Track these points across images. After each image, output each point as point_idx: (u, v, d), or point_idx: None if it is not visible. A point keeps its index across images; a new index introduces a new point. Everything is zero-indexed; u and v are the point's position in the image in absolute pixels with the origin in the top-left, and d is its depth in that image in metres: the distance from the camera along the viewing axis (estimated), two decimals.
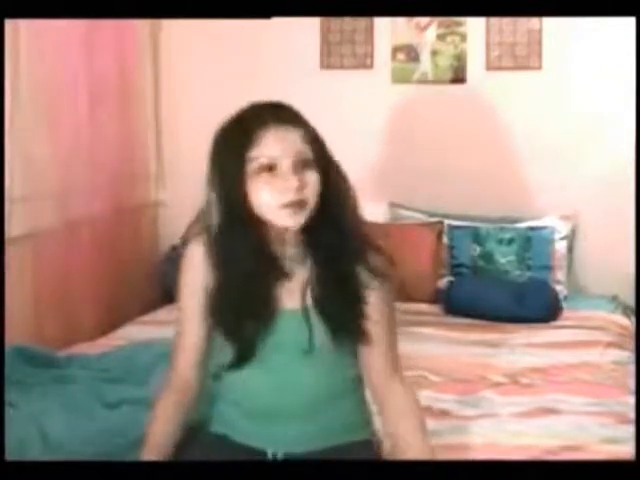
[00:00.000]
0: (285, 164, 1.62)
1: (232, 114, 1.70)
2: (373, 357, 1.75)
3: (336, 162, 1.74)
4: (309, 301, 1.71)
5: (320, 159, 1.67)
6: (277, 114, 1.66)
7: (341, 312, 1.70)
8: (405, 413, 1.73)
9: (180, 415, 1.76)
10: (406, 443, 1.70)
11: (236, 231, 1.67)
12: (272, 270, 1.70)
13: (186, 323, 1.77)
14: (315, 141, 1.68)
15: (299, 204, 1.62)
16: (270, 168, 1.62)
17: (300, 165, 1.63)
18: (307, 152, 1.64)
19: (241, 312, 1.69)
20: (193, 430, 1.79)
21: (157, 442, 1.73)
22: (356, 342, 1.74)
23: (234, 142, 1.65)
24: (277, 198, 1.62)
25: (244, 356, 1.70)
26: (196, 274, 1.74)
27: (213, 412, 1.78)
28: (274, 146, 1.62)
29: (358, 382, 1.80)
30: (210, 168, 1.71)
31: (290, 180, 1.61)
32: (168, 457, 1.73)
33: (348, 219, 1.71)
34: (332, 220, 1.68)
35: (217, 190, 1.68)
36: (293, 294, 1.72)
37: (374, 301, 1.73)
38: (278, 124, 1.64)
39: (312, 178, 1.64)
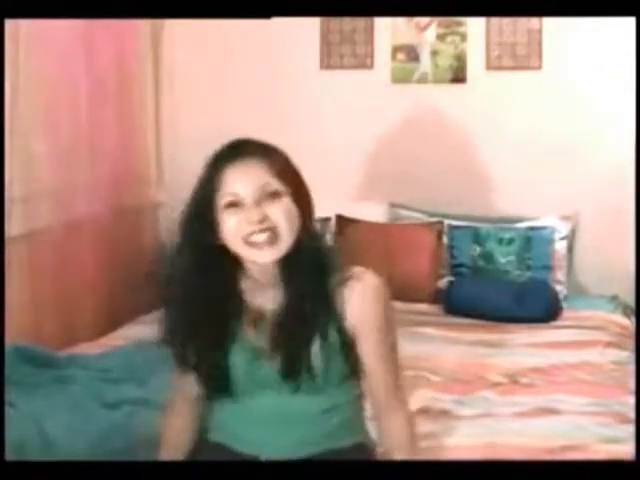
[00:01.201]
0: (247, 199, 1.60)
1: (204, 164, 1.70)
2: (370, 389, 1.72)
3: (309, 196, 1.68)
4: (279, 343, 1.64)
5: (290, 189, 1.62)
6: (241, 150, 1.64)
7: (322, 350, 1.64)
8: (399, 441, 1.70)
9: (188, 429, 1.78)
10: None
11: (203, 268, 1.65)
12: (236, 307, 1.67)
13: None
14: (284, 171, 1.64)
15: (269, 238, 1.59)
16: (236, 204, 1.60)
17: (266, 197, 1.60)
18: (274, 184, 1.61)
19: (215, 349, 1.66)
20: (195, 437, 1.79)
21: (173, 450, 1.75)
22: (351, 375, 1.70)
23: (201, 186, 1.65)
24: (240, 231, 1.59)
25: (220, 392, 1.68)
26: None
27: (211, 421, 1.78)
28: (236, 182, 1.61)
29: (358, 396, 1.76)
30: (185, 214, 1.67)
31: (253, 214, 1.58)
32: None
33: (321, 246, 1.68)
34: (309, 251, 1.64)
35: (188, 232, 1.66)
36: (262, 331, 1.66)
37: (365, 334, 1.66)
38: (240, 160, 1.62)
39: (280, 209, 1.60)
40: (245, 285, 1.69)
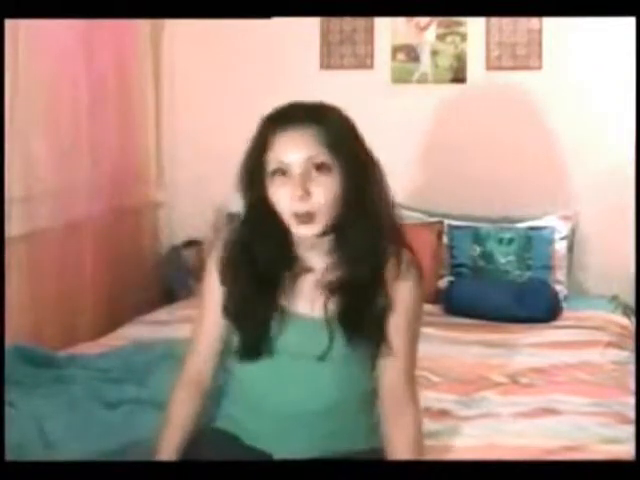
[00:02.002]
0: (295, 170, 1.59)
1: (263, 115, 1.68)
2: (388, 373, 1.72)
3: (366, 161, 1.67)
4: (330, 308, 1.67)
5: (341, 160, 1.60)
6: (293, 115, 1.62)
7: (362, 323, 1.66)
8: (409, 437, 1.71)
9: (193, 410, 1.77)
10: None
11: (256, 231, 1.67)
12: (288, 270, 1.68)
13: (204, 319, 1.77)
14: (337, 141, 1.61)
15: (307, 215, 1.59)
16: (283, 172, 1.60)
17: (313, 169, 1.59)
18: (322, 155, 1.59)
19: (251, 309, 1.67)
20: (199, 426, 1.79)
21: (172, 441, 1.75)
22: (375, 354, 1.70)
23: (252, 146, 1.65)
24: (286, 205, 1.61)
25: (249, 353, 1.69)
26: (215, 276, 1.74)
27: (220, 410, 1.78)
28: (285, 150, 1.60)
29: (371, 394, 1.76)
30: (238, 173, 1.69)
31: (297, 189, 1.58)
32: (179, 454, 1.74)
33: (376, 221, 1.67)
34: (357, 223, 1.64)
35: (242, 193, 1.68)
36: (312, 299, 1.69)
37: (397, 310, 1.69)
38: (291, 126, 1.61)
39: (325, 184, 1.59)
40: (298, 247, 1.69)
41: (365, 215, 1.64)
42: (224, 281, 1.72)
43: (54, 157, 3.30)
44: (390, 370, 1.71)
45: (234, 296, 1.70)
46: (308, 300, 1.69)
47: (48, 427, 2.16)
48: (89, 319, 3.49)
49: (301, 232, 1.62)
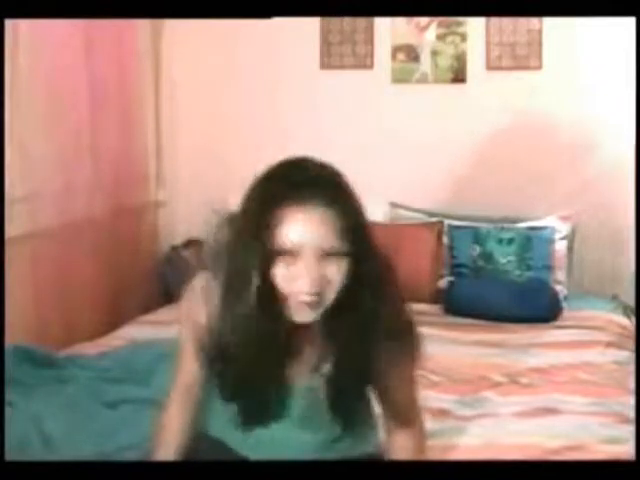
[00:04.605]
0: (307, 252, 1.43)
1: (258, 178, 1.49)
2: (399, 445, 1.72)
3: (374, 247, 1.55)
4: (320, 382, 1.59)
5: (354, 246, 1.47)
6: (309, 188, 1.44)
7: (356, 410, 1.62)
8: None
9: (185, 425, 1.75)
10: None
11: (259, 303, 1.49)
12: (288, 337, 1.56)
13: (187, 343, 1.68)
14: (352, 224, 1.47)
15: (314, 299, 1.45)
16: (293, 253, 1.44)
17: (325, 255, 1.44)
18: (338, 244, 1.44)
19: (249, 385, 1.58)
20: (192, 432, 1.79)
21: (169, 447, 1.73)
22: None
23: (255, 219, 1.45)
24: (292, 287, 1.45)
25: (251, 422, 1.63)
26: (199, 313, 1.60)
27: (213, 417, 1.77)
28: (296, 231, 1.43)
29: (368, 408, 1.73)
30: (231, 242, 1.52)
31: (309, 272, 1.43)
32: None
33: (372, 309, 1.54)
34: (353, 311, 1.52)
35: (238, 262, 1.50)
36: (303, 372, 1.61)
37: (400, 384, 1.67)
38: (305, 203, 1.43)
39: (335, 270, 1.45)
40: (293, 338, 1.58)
41: (360, 305, 1.52)
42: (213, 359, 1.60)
43: (54, 157, 3.31)
44: (400, 443, 1.72)
45: (230, 378, 1.60)
46: (297, 372, 1.61)
47: (48, 427, 2.16)
48: (89, 319, 3.49)
49: (301, 314, 1.48)
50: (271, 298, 1.47)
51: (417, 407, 1.73)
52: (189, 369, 1.73)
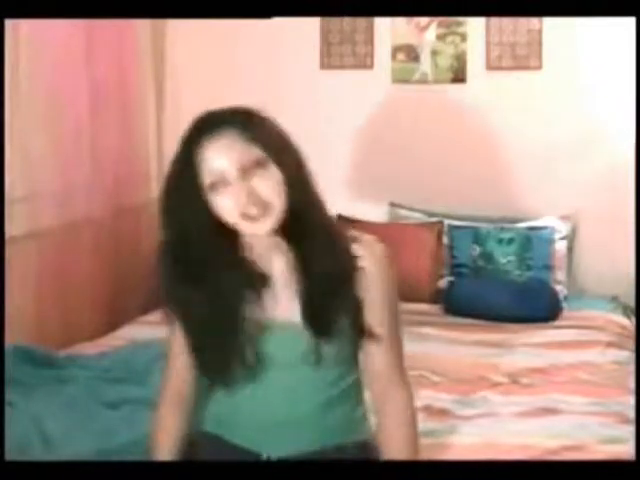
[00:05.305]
0: (231, 175, 1.53)
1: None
2: (373, 359, 1.68)
3: (298, 158, 1.61)
4: (300, 312, 1.62)
5: (272, 152, 1.55)
6: (213, 122, 1.56)
7: (336, 323, 1.62)
8: (400, 422, 1.68)
9: (181, 425, 1.75)
10: (395, 450, 1.68)
11: (205, 250, 1.60)
12: (249, 282, 1.63)
13: (177, 340, 1.74)
14: (264, 136, 1.56)
15: (259, 209, 1.54)
16: (221, 182, 1.54)
17: (250, 168, 1.54)
18: (257, 152, 1.54)
19: (226, 331, 1.63)
20: (188, 429, 1.78)
21: (165, 449, 1.74)
22: (359, 346, 1.67)
23: (180, 166, 1.57)
24: (234, 211, 1.54)
25: (221, 380, 1.66)
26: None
27: (207, 412, 1.77)
28: (215, 159, 1.54)
29: (357, 385, 1.74)
30: (163, 196, 1.62)
31: (238, 190, 1.53)
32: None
33: (320, 217, 1.63)
34: (305, 219, 1.59)
35: (172, 215, 1.60)
36: (281, 305, 1.64)
37: (371, 304, 1.65)
38: (214, 133, 1.55)
39: (268, 178, 1.55)
40: (248, 255, 1.64)
41: (312, 206, 1.61)
42: (183, 316, 1.68)
43: (54, 157, 3.30)
44: (374, 357, 1.68)
45: (195, 328, 1.66)
46: (280, 305, 1.64)
47: (48, 427, 2.16)
48: (89, 319, 3.49)
49: (252, 230, 1.57)
50: (222, 232, 1.57)
51: (388, 323, 1.68)
52: (179, 366, 1.74)
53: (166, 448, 1.74)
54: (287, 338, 1.64)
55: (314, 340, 1.61)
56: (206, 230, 1.58)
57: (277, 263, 1.65)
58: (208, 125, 1.57)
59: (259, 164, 1.55)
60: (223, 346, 1.63)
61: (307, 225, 1.60)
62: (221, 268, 1.61)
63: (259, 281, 1.64)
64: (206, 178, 1.55)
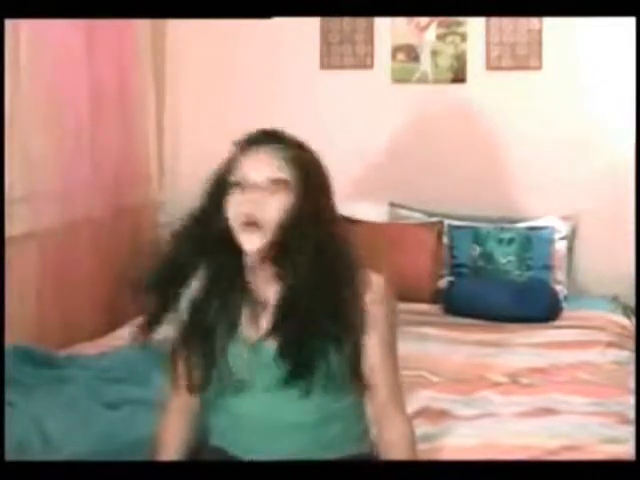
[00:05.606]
0: (252, 181, 1.61)
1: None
2: (372, 398, 1.69)
3: (323, 185, 1.69)
4: (276, 346, 1.62)
5: (301, 182, 1.62)
6: (261, 138, 1.67)
7: (317, 360, 1.62)
8: (397, 446, 1.70)
9: (185, 435, 1.77)
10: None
11: (214, 259, 1.66)
12: (246, 301, 1.66)
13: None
14: (300, 164, 1.63)
15: (255, 222, 1.58)
16: (242, 186, 1.62)
17: (271, 185, 1.60)
18: (283, 174, 1.61)
19: (211, 340, 1.66)
20: (193, 442, 1.79)
21: (169, 456, 1.74)
22: (354, 387, 1.67)
23: (220, 169, 1.69)
24: (239, 211, 1.60)
25: (223, 389, 1.67)
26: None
27: (212, 425, 1.77)
28: (247, 167, 1.63)
29: (357, 402, 1.73)
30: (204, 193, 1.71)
31: (251, 195, 1.60)
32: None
33: (327, 243, 1.64)
34: (306, 244, 1.61)
35: (203, 208, 1.69)
36: (262, 323, 1.66)
37: (369, 349, 1.65)
38: (256, 146, 1.65)
39: (279, 198, 1.60)
40: (250, 277, 1.67)
41: (315, 237, 1.62)
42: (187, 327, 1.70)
43: (54, 157, 3.30)
44: (372, 389, 1.69)
45: (194, 326, 1.68)
46: (266, 331, 1.65)
47: (48, 427, 2.16)
48: (89, 319, 3.49)
49: (246, 241, 1.60)
50: (226, 231, 1.62)
51: (386, 371, 1.69)
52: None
53: (170, 455, 1.74)
54: (269, 363, 1.63)
55: (290, 373, 1.62)
56: (218, 236, 1.64)
57: (273, 291, 1.66)
58: (254, 139, 1.67)
59: (281, 183, 1.61)
60: (210, 356, 1.66)
61: (305, 258, 1.61)
62: (230, 284, 1.66)
63: (259, 305, 1.66)
64: (233, 177, 1.63)
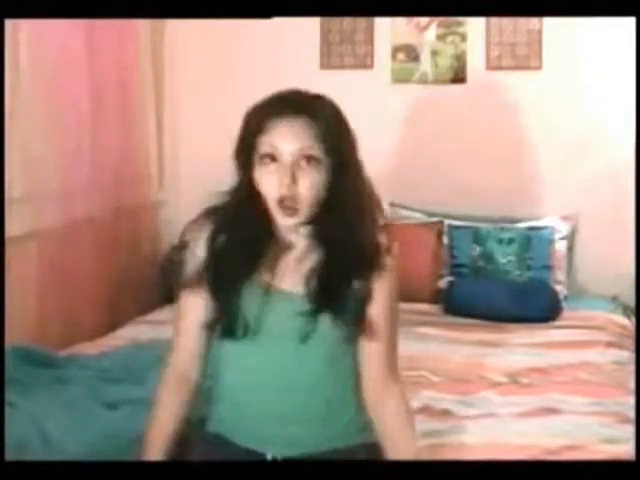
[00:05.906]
0: (286, 157, 1.62)
1: (260, 99, 1.73)
2: (372, 354, 1.72)
3: (356, 162, 1.73)
4: (311, 286, 1.68)
5: (331, 156, 1.64)
6: (291, 103, 1.69)
7: (343, 304, 1.67)
8: (396, 416, 1.73)
9: (180, 412, 1.76)
10: (392, 443, 1.71)
11: (240, 210, 1.69)
12: (269, 247, 1.70)
13: (187, 315, 1.75)
14: (329, 137, 1.65)
15: (290, 202, 1.62)
16: (273, 157, 1.63)
17: (304, 160, 1.63)
18: (316, 148, 1.63)
19: (231, 281, 1.68)
20: (191, 429, 1.78)
21: (158, 440, 1.74)
22: (357, 334, 1.71)
23: (248, 127, 1.69)
24: (272, 191, 1.63)
25: (231, 329, 1.68)
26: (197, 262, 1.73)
27: (212, 412, 1.77)
28: (280, 137, 1.63)
29: (358, 383, 1.76)
30: (233, 153, 1.73)
31: (285, 176, 1.61)
32: (167, 456, 1.73)
33: (356, 216, 1.69)
34: (337, 220, 1.67)
35: (235, 169, 1.71)
36: (294, 276, 1.70)
37: (377, 297, 1.70)
38: (288, 114, 1.65)
39: (312, 176, 1.63)
40: (278, 228, 1.71)
41: (345, 210, 1.67)
42: (207, 261, 1.71)
43: (54, 157, 3.30)
44: (372, 355, 1.72)
45: (214, 268, 1.70)
46: (290, 277, 1.70)
47: (48, 427, 2.16)
48: (89, 319, 3.49)
49: (284, 222, 1.65)
50: (254, 200, 1.65)
51: (388, 323, 1.74)
52: (186, 346, 1.76)
53: (162, 432, 1.74)
54: (289, 308, 1.67)
55: (310, 314, 1.66)
56: (244, 195, 1.67)
57: (298, 241, 1.71)
58: (284, 104, 1.70)
59: (313, 160, 1.63)
60: (235, 294, 1.68)
61: (335, 225, 1.67)
62: (254, 234, 1.69)
63: (282, 252, 1.71)
64: (263, 148, 1.64)
